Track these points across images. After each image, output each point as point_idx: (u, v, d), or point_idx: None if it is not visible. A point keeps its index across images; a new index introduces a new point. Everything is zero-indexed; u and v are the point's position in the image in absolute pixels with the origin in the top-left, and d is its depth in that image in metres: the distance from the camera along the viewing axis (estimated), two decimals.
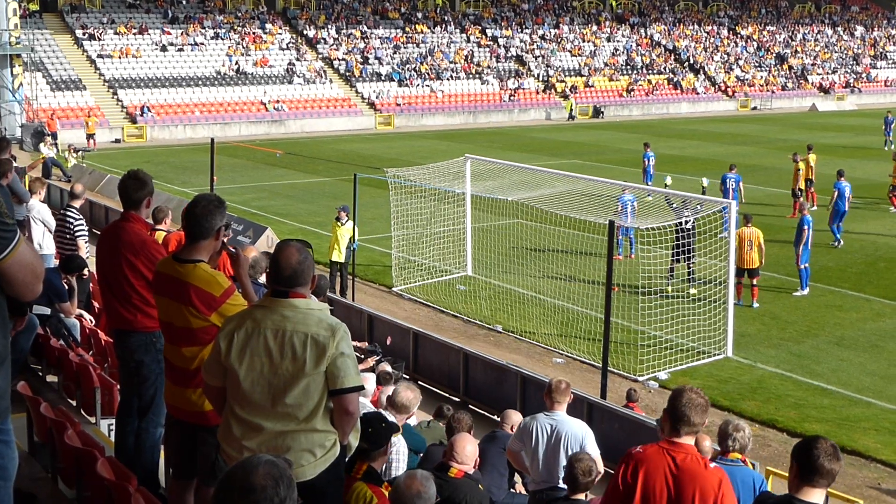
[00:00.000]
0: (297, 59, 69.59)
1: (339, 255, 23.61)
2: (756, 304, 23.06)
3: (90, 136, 52.81)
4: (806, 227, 23.94)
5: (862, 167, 46.78)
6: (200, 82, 64.50)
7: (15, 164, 15.62)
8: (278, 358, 5.62)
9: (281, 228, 30.35)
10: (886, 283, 25.39)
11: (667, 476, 6.12)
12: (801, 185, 33.60)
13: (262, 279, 10.92)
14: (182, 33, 68.56)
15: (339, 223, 23.57)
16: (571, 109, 72.52)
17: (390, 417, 9.66)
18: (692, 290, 23.07)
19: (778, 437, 16.41)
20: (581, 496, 8.65)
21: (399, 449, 8.95)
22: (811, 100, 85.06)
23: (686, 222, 22.92)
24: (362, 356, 15.51)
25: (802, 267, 24.06)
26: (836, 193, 29.24)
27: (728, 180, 31.45)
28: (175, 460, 7.30)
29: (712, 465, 6.31)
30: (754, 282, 23.13)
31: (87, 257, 15.08)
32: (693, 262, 23.71)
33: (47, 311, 12.71)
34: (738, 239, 22.47)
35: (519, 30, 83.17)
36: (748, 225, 23.14)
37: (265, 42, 70.46)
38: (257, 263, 11.09)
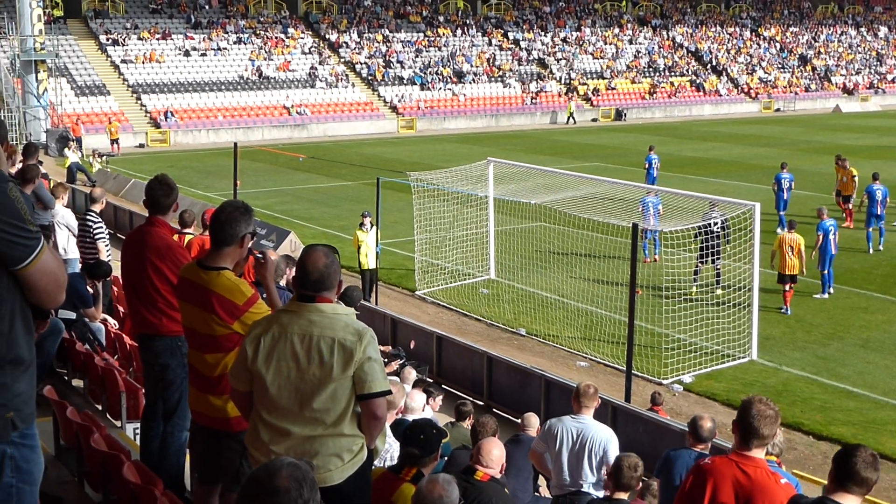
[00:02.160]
0: (320, 63, 69.76)
1: (374, 262, 23.50)
2: (789, 311, 22.85)
3: (114, 142, 53.10)
4: (819, 232, 23.68)
5: (888, 168, 46.43)
6: (223, 87, 64.75)
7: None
8: (305, 363, 5.62)
9: (304, 232, 30.42)
10: None
11: (736, 489, 6.02)
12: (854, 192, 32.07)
13: (283, 282, 10.96)
14: (205, 38, 68.85)
15: (363, 229, 23.47)
16: (571, 113, 72.07)
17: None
18: (718, 291, 22.92)
19: (804, 441, 16.33)
20: (624, 496, 8.56)
21: (392, 454, 8.93)
22: (835, 101, 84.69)
23: (714, 223, 22.81)
24: (386, 360, 15.52)
25: (824, 272, 23.84)
26: (866, 197, 28.95)
27: (783, 180, 31.15)
28: (200, 465, 7.32)
29: (783, 480, 6.21)
30: (789, 286, 22.96)
31: (108, 260, 15.15)
32: (719, 264, 23.58)
33: (73, 315, 12.77)
34: (779, 244, 22.69)
35: (541, 33, 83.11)
36: (791, 231, 23.00)
37: (287, 46, 70.67)
38: (277, 267, 11.12)
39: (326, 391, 5.60)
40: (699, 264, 23.64)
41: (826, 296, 23.84)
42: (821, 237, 23.61)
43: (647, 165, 37.29)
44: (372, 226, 23.52)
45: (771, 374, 19.23)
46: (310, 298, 5.71)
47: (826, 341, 21.08)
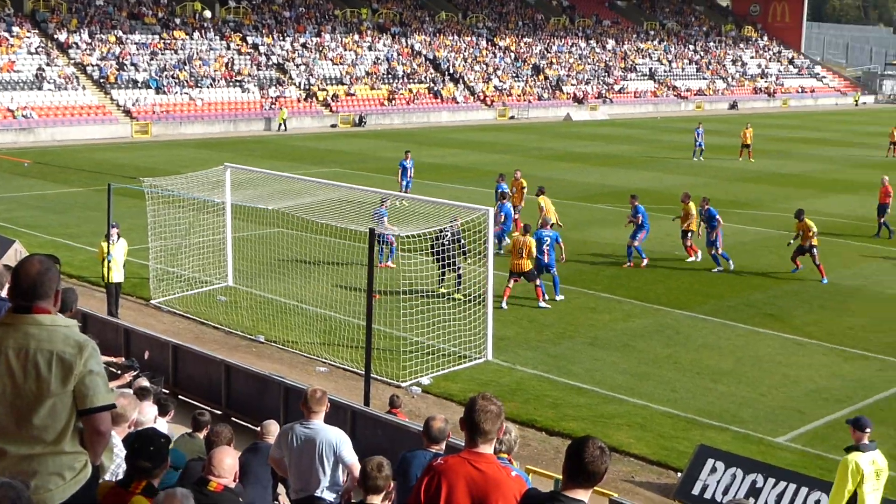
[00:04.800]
0: (48, 65, 66.82)
1: (119, 275, 22.48)
2: (542, 304, 24.08)
3: None
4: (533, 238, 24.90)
5: (614, 174, 48.89)
6: None
7: None
8: (21, 378, 5.38)
9: (30, 241, 29.04)
10: (636, 286, 26.52)
11: (470, 486, 6.09)
12: (694, 226, 29.51)
13: (4, 293, 10.42)
14: None
15: (110, 241, 22.40)
16: (284, 120, 70.66)
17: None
18: (457, 295, 23.36)
19: (537, 437, 16.88)
20: (376, 499, 8.42)
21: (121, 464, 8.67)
22: (566, 109, 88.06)
23: (443, 234, 23.28)
24: (118, 371, 15.01)
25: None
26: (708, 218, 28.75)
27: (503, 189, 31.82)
28: None
29: (513, 473, 6.33)
30: (537, 282, 24.11)
31: None
32: (459, 271, 24.17)
33: None
34: (514, 245, 24.10)
35: (280, 38, 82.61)
36: (525, 235, 24.02)
37: (12, 46, 67.30)
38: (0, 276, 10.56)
39: (45, 407, 5.39)
40: (444, 270, 24.11)
41: (560, 298, 24.76)
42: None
43: (400, 171, 37.98)
44: (119, 237, 22.60)
45: (505, 373, 19.78)
46: (26, 309, 5.49)
47: (557, 340, 21.88)
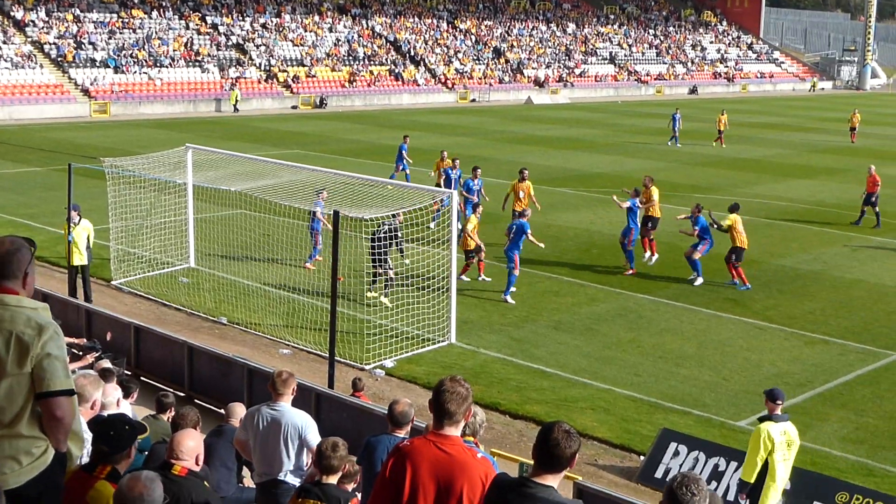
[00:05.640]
0: (4, 43, 65.96)
1: (80, 258, 22.09)
2: (462, 277, 24.11)
3: None
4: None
5: (576, 158, 48.93)
6: None
7: None
8: None
9: None
10: (599, 270, 26.55)
11: (436, 468, 6.08)
12: (657, 212, 27.74)
13: None
14: None
15: (72, 224, 22.00)
16: (236, 101, 70.09)
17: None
18: (384, 300, 22.17)
19: (501, 420, 16.87)
20: (332, 479, 8.40)
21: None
22: (527, 93, 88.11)
23: (379, 229, 22.42)
24: (80, 353, 14.87)
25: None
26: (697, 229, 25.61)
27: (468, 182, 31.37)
28: None
29: (479, 455, 6.29)
30: (473, 261, 24.36)
31: None
32: (391, 272, 22.64)
33: None
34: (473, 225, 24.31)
35: (240, 18, 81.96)
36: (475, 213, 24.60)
37: None
38: None
39: (0, 388, 5.31)
40: (377, 270, 22.85)
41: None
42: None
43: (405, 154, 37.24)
44: (80, 219, 22.23)
45: (469, 356, 19.75)
46: None
47: (520, 324, 21.87)
